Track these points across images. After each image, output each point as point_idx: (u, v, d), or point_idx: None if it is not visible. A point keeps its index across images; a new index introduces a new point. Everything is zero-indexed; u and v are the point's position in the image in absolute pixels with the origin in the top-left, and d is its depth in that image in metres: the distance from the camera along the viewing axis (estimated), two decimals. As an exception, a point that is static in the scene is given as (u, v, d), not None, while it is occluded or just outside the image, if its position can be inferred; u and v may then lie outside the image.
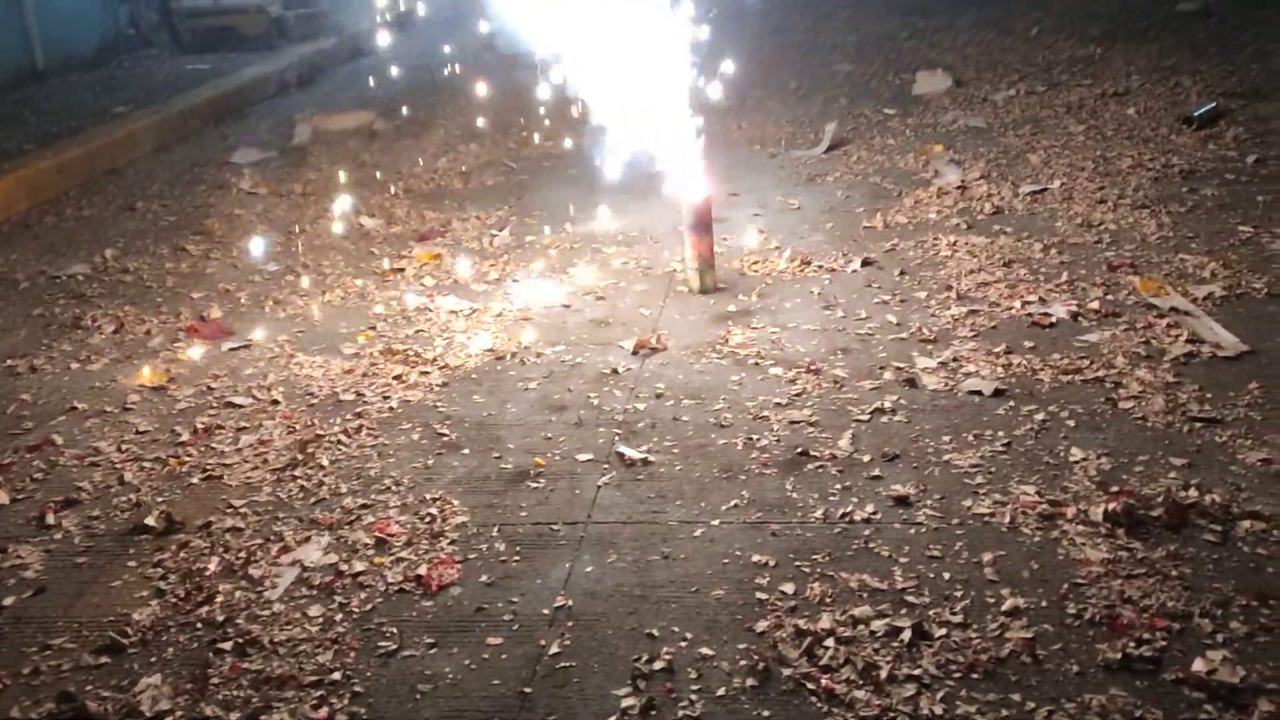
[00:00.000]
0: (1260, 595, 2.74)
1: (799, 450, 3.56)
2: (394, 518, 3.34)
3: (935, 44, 9.62)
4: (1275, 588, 2.77)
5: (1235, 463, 3.33)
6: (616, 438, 3.74)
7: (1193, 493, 3.15)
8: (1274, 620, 2.66)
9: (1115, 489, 3.21)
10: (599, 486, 3.46)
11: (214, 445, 3.84)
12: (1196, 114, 6.75)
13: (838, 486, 3.36)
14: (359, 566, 3.10)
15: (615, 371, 4.22)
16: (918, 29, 10.27)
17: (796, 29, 10.81)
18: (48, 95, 9.70)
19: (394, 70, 10.51)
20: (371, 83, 10.07)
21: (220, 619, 2.92)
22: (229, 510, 3.43)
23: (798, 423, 3.75)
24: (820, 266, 5.08)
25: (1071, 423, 3.62)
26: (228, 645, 2.81)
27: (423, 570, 3.07)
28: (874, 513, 3.21)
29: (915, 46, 9.61)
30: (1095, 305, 4.43)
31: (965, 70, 8.58)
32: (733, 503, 3.32)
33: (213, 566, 3.14)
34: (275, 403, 4.12)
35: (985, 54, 9.09)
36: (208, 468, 3.68)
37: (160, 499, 3.53)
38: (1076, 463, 3.38)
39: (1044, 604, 2.78)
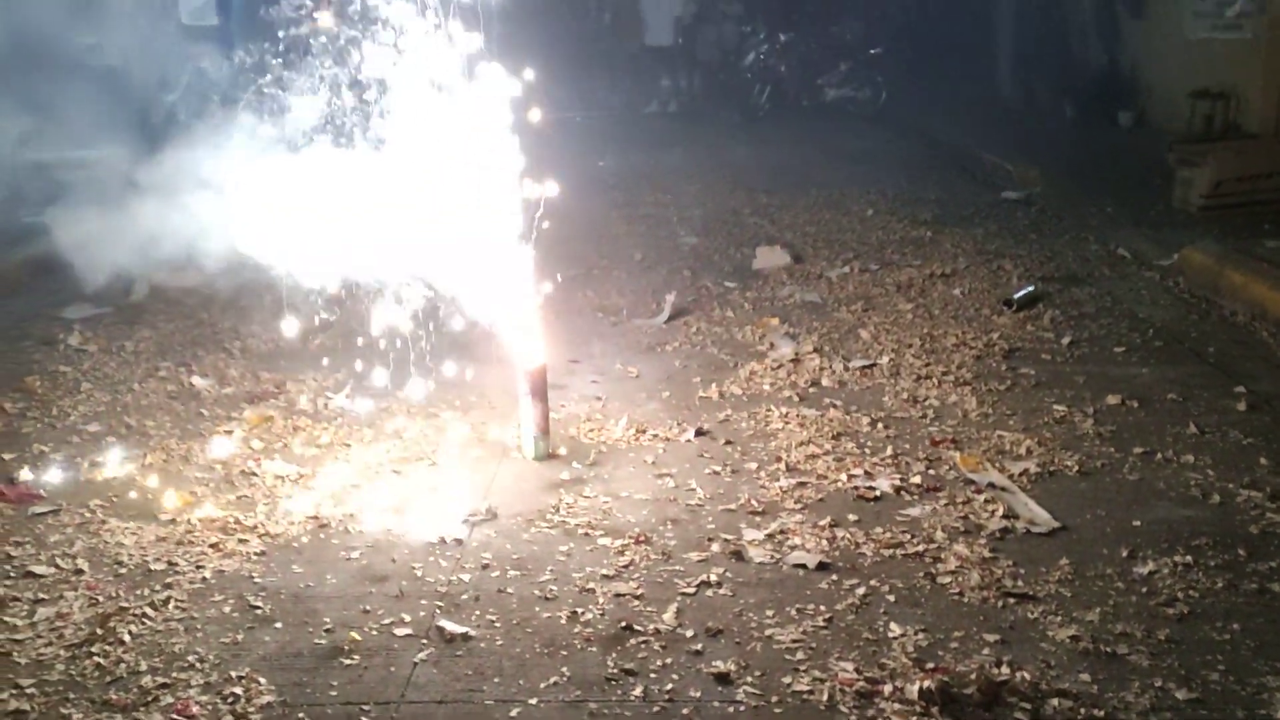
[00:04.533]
0: (1065, 774, 2.78)
1: (623, 624, 3.53)
2: (194, 697, 3.16)
3: (776, 221, 10.01)
4: (1079, 766, 2.82)
5: (1045, 639, 3.41)
6: (438, 611, 3.65)
7: (1005, 670, 3.21)
8: (1078, 800, 2.70)
9: (931, 666, 3.25)
10: (415, 663, 3.35)
11: (6, 619, 3.60)
12: (1017, 296, 7.13)
13: (659, 663, 3.32)
14: (150, 753, 2.91)
15: (442, 541, 4.14)
16: (761, 206, 10.68)
17: (645, 202, 11.13)
18: None
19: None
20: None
21: (-12, 814, 2.69)
22: (14, 691, 3.20)
23: (623, 595, 3.72)
24: (655, 435, 5.13)
25: (891, 597, 3.68)
26: (-7, 844, 2.59)
27: (220, 756, 2.90)
28: (693, 691, 3.17)
29: (758, 223, 9.98)
30: (918, 480, 4.56)
31: (803, 247, 8.93)
32: (552, 680, 3.25)
33: (-13, 754, 2.92)
34: (79, 572, 3.91)
35: (823, 232, 9.49)
36: (-5, 644, 3.45)
37: (-62, 679, 3.28)
38: (895, 638, 3.42)
39: (858, 786, 2.77)
